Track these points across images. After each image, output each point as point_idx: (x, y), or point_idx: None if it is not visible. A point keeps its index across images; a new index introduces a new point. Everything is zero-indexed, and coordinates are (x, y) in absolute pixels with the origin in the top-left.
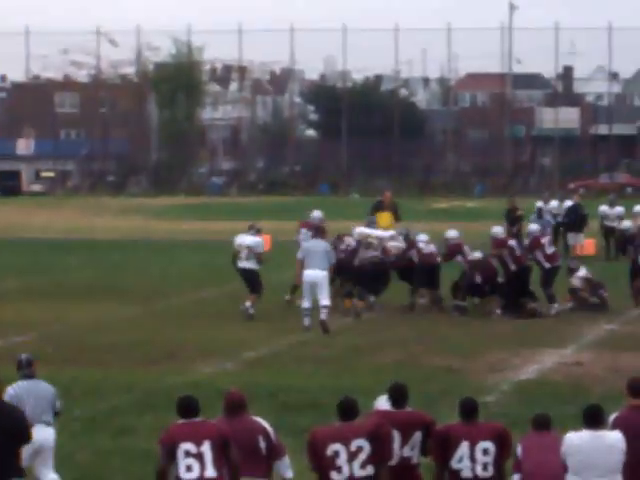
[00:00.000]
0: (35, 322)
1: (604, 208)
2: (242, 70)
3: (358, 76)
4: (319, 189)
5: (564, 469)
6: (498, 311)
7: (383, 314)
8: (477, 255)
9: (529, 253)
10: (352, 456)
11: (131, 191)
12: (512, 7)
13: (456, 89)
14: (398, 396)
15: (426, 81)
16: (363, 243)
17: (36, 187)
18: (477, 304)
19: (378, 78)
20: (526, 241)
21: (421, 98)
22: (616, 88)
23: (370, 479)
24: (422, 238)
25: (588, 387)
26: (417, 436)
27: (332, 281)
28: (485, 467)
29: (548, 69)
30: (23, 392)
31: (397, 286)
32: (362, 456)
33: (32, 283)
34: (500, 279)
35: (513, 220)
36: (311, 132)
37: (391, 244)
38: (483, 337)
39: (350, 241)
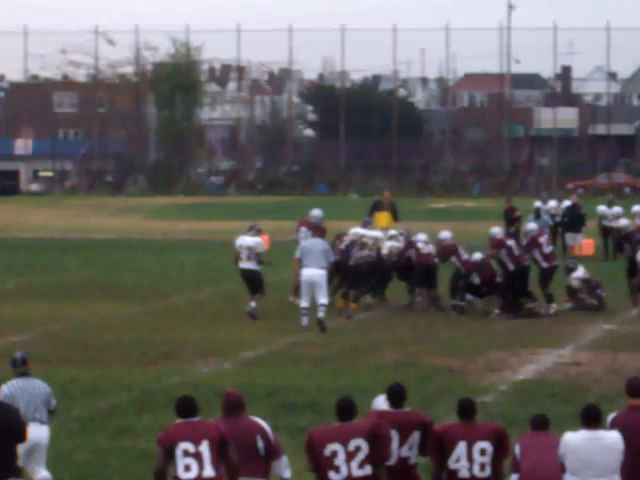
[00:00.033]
0: (33, 321)
1: (603, 208)
2: (240, 70)
3: (356, 76)
4: (317, 189)
5: (562, 469)
6: (497, 311)
7: (382, 314)
8: (477, 256)
9: (527, 252)
10: (350, 456)
11: (129, 191)
12: (510, 7)
13: (454, 89)
14: (396, 396)
15: (424, 81)
16: (358, 243)
17: (34, 187)
18: (476, 304)
19: (376, 78)
20: (524, 240)
21: (419, 98)
22: (614, 88)
23: (368, 479)
24: (421, 238)
25: (586, 387)
26: (415, 436)
27: (330, 280)
28: (482, 467)
29: (546, 69)
30: (17, 390)
31: (396, 286)
32: (360, 456)
33: (30, 282)
34: (499, 279)
35: (511, 221)
36: (309, 132)
37: (390, 244)
38: (481, 337)
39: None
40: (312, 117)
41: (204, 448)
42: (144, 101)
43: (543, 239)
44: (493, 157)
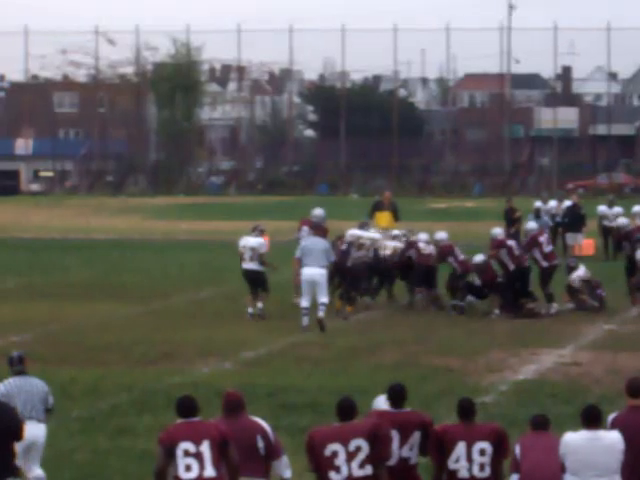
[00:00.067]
0: (33, 321)
1: (603, 208)
2: (241, 70)
3: (357, 76)
4: (318, 189)
5: (562, 469)
6: (497, 311)
7: (382, 314)
8: (478, 258)
9: (527, 251)
10: (351, 456)
11: (130, 191)
12: (511, 7)
13: (455, 89)
14: (397, 396)
15: (425, 81)
16: (355, 245)
17: (35, 187)
18: (476, 305)
19: (377, 78)
20: (524, 240)
21: (420, 98)
22: (615, 88)
23: (369, 479)
24: (423, 237)
25: (586, 387)
26: (416, 436)
27: (331, 280)
28: (482, 467)
29: (547, 69)
30: (14, 389)
31: (396, 286)
32: (361, 456)
33: (30, 282)
34: (500, 279)
35: (511, 221)
36: (310, 132)
37: (393, 244)
38: (482, 337)
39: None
40: (312, 117)
41: (205, 448)
42: (144, 101)
43: (543, 238)
44: (493, 157)
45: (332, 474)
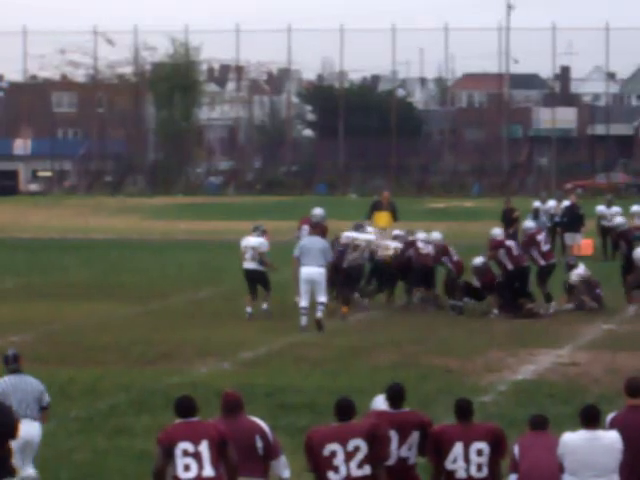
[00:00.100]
0: (32, 322)
1: (601, 208)
2: (239, 70)
3: (355, 76)
4: (316, 189)
5: (561, 469)
6: (495, 311)
7: (380, 314)
8: (478, 261)
9: (524, 250)
10: (349, 456)
11: (128, 191)
12: (509, 7)
13: (453, 89)
14: (395, 396)
15: (423, 81)
16: (351, 246)
17: (33, 187)
18: (475, 306)
19: (375, 78)
20: (522, 238)
21: (418, 98)
22: (613, 88)
23: (367, 479)
24: (421, 236)
25: (585, 387)
26: (414, 436)
27: (331, 280)
28: (479, 468)
29: (545, 69)
30: (9, 387)
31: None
32: (359, 456)
33: (29, 283)
34: (498, 279)
35: (510, 221)
36: (308, 132)
37: (395, 245)
38: (480, 337)
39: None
40: (311, 117)
41: (203, 448)
42: (143, 101)
43: (541, 237)
44: (492, 157)
45: (331, 474)
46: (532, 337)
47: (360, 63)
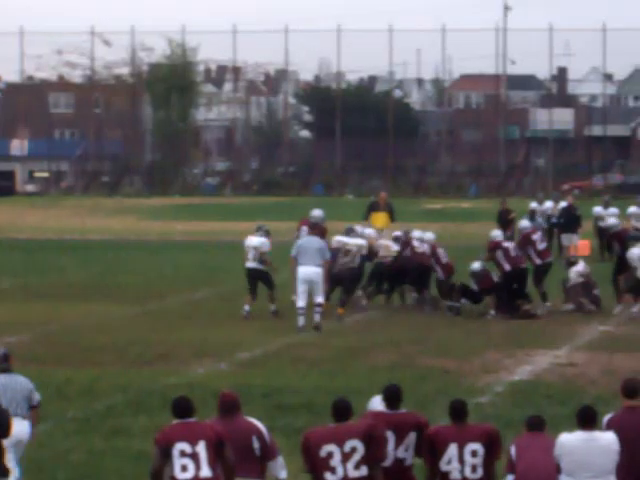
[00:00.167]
0: (29, 322)
1: (598, 209)
2: (236, 71)
3: (352, 77)
4: (313, 190)
5: (558, 470)
6: (492, 312)
7: (377, 315)
8: (476, 266)
9: (521, 250)
10: (346, 457)
11: (125, 191)
12: (506, 8)
13: (450, 90)
14: (392, 397)
15: (420, 82)
16: (342, 251)
17: (30, 187)
18: (471, 307)
19: (372, 79)
20: (517, 238)
21: (415, 99)
22: (610, 89)
23: None
24: (416, 235)
25: (582, 388)
26: (411, 437)
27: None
28: (474, 469)
29: (542, 70)
30: (0, 387)
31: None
32: (356, 457)
33: (26, 283)
34: (496, 279)
35: (506, 223)
36: (305, 133)
37: (394, 247)
38: (477, 338)
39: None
40: (308, 118)
41: (201, 448)
42: (140, 102)
43: (536, 236)
44: (489, 158)
45: (327, 475)
46: (529, 338)
47: (357, 64)
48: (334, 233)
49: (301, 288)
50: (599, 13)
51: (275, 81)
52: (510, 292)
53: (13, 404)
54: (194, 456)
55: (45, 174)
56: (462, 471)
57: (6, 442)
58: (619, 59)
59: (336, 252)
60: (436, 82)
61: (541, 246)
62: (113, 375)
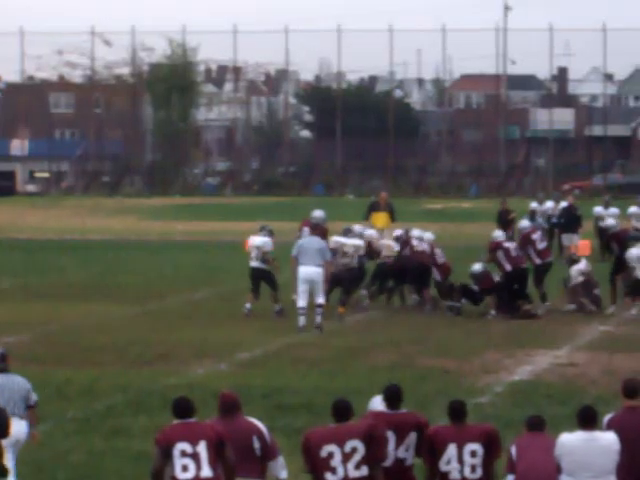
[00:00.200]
0: (29, 322)
1: (599, 209)
2: (237, 71)
3: (353, 77)
4: (314, 190)
5: (558, 470)
6: (493, 312)
7: (378, 315)
8: (476, 268)
9: (520, 249)
10: (346, 457)
11: (126, 191)
12: (507, 8)
13: (451, 90)
14: (393, 397)
15: (421, 82)
16: (339, 251)
17: (31, 187)
18: (471, 307)
19: (373, 79)
20: (517, 238)
21: (416, 99)
22: (611, 89)
23: None
24: (415, 234)
25: (582, 388)
26: (412, 437)
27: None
28: (473, 469)
29: (543, 70)
30: None
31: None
32: (356, 457)
33: (26, 283)
34: (497, 279)
35: (506, 223)
36: (306, 133)
37: (396, 247)
38: (477, 338)
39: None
40: (308, 118)
41: (201, 448)
42: (140, 102)
43: (536, 235)
44: (489, 158)
45: (328, 475)
46: (529, 338)
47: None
48: (335, 233)
49: (302, 288)
50: (599, 13)
51: (275, 81)
52: (511, 292)
53: (11, 404)
54: (195, 456)
55: (45, 174)
56: (461, 471)
57: (5, 442)
58: (619, 59)
59: (334, 252)
60: (436, 82)
61: (541, 246)
62: (113, 375)
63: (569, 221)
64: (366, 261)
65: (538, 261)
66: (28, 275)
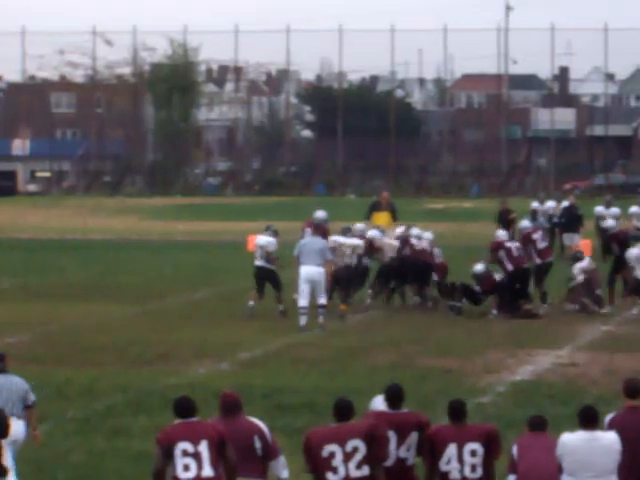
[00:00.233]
0: (29, 322)
1: (600, 209)
2: (238, 71)
3: (354, 77)
4: (315, 189)
5: (559, 470)
6: (494, 311)
7: (379, 315)
8: (478, 268)
9: (522, 249)
10: (348, 457)
11: (127, 191)
12: (508, 8)
13: (452, 90)
14: (394, 397)
15: (422, 82)
16: (338, 251)
17: (32, 187)
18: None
19: (374, 79)
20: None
21: (417, 99)
22: (612, 89)
23: None
24: (414, 232)
25: (584, 388)
26: (413, 437)
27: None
28: (473, 468)
29: (544, 70)
30: None
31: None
32: (358, 457)
33: (26, 283)
34: (498, 277)
35: (506, 223)
36: (307, 133)
37: (395, 243)
38: (479, 338)
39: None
40: (310, 118)
41: (203, 448)
42: (142, 102)
43: (537, 235)
44: (491, 158)
45: (329, 475)
46: (531, 338)
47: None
48: (335, 233)
49: (303, 287)
50: (601, 13)
51: (277, 81)
52: (512, 292)
53: (9, 404)
54: (196, 456)
55: (47, 174)
56: (461, 471)
57: (4, 442)
58: (621, 59)
59: (333, 252)
60: (438, 82)
61: (541, 245)
62: (113, 375)
63: (570, 221)
64: (369, 261)
65: (538, 261)
66: (28, 275)
